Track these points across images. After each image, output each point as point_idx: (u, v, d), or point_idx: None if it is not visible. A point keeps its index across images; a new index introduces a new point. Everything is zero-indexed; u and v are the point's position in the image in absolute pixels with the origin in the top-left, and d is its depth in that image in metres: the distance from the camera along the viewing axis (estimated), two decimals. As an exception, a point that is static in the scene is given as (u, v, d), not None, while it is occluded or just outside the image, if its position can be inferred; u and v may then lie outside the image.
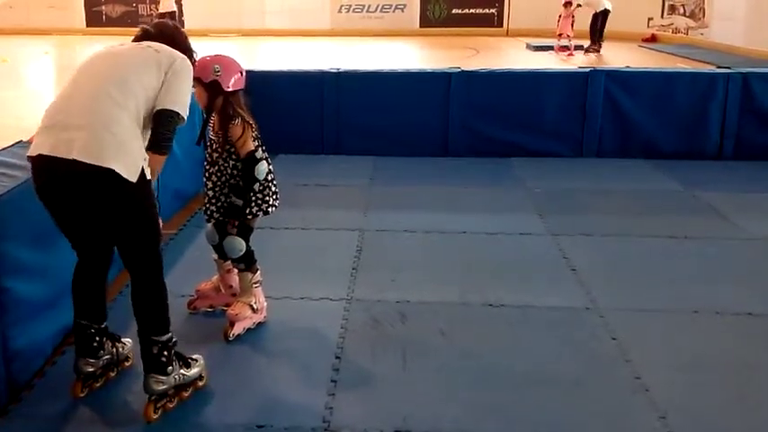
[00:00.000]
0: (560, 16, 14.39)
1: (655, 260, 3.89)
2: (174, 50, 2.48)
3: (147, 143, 2.35)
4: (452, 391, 2.64)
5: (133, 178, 2.25)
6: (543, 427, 2.45)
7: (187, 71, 2.46)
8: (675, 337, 3.06)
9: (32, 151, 2.30)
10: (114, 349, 2.65)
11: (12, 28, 18.53)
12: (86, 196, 2.28)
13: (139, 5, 18.61)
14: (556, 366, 2.81)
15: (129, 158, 2.25)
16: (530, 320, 3.20)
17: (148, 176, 2.32)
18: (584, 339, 3.04)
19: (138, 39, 2.57)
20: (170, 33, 2.59)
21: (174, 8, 15.01)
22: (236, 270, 3.16)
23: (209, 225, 3.09)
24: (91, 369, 2.54)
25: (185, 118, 2.41)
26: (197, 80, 2.70)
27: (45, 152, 2.25)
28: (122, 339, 2.72)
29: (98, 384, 2.60)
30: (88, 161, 2.20)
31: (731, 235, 4.27)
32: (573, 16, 14.17)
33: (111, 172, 2.21)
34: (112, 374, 2.66)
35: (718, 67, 7.32)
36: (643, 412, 2.52)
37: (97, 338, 2.55)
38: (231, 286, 3.21)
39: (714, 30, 14.81)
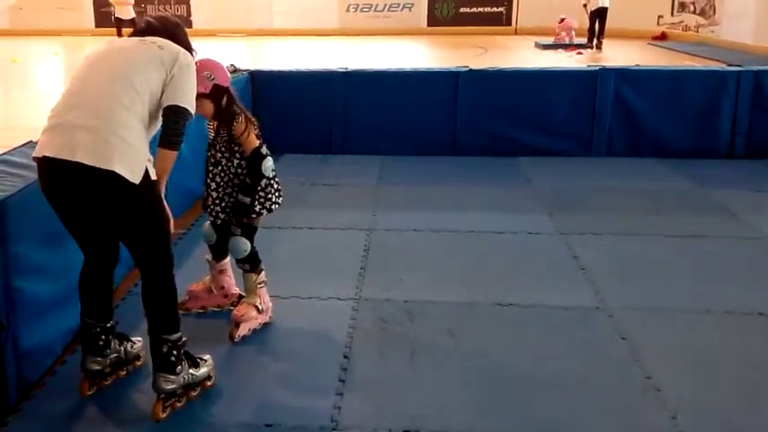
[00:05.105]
0: (558, 29, 14.75)
1: (665, 259, 3.87)
2: (176, 46, 2.46)
3: (150, 141, 2.36)
4: (461, 391, 2.63)
5: (136, 180, 2.25)
6: (552, 426, 2.44)
7: (191, 66, 2.45)
8: (686, 336, 3.04)
9: (38, 152, 2.30)
10: (122, 348, 2.66)
11: (22, 29, 18.69)
12: (91, 197, 2.29)
13: (148, 6, 18.68)
14: (565, 366, 2.80)
15: (133, 160, 2.26)
16: (538, 320, 3.18)
17: (153, 177, 2.33)
18: (593, 339, 3.02)
19: (141, 32, 2.55)
20: (171, 29, 2.57)
21: (133, 15, 13.84)
22: (228, 271, 3.16)
23: (207, 224, 3.09)
24: (97, 367, 2.55)
25: (193, 114, 2.42)
26: (198, 96, 2.54)
27: (49, 154, 2.26)
28: (132, 338, 2.73)
29: (107, 383, 2.61)
30: (91, 163, 2.20)
31: (742, 234, 4.24)
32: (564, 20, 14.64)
33: (114, 174, 2.21)
34: (123, 373, 2.67)
35: (729, 65, 7.26)
36: (654, 412, 2.51)
37: (103, 337, 2.55)
38: (223, 287, 3.20)
39: (725, 27, 14.71)
